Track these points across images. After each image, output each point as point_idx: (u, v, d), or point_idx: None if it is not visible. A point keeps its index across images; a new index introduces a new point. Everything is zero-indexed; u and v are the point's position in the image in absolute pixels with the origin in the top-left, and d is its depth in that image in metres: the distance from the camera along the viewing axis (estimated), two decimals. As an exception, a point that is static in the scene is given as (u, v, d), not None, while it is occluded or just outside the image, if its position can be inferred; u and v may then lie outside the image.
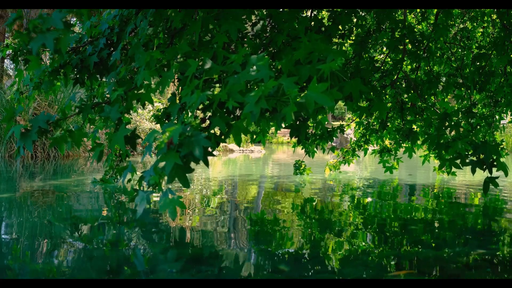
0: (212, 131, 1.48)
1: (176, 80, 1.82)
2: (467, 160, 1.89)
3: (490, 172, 1.85)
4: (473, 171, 1.87)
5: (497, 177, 1.83)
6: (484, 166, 1.85)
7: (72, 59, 2.23)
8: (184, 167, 1.19)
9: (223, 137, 1.46)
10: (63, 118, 1.62)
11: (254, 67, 1.24)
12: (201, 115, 1.57)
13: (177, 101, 1.49)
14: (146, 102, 1.81)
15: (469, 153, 1.90)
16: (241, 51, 1.33)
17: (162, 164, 1.18)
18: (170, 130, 1.16)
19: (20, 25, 10.59)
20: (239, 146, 1.45)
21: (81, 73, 2.23)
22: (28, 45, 1.22)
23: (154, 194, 1.26)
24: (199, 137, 1.17)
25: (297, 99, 1.10)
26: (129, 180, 2.01)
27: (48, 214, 2.91)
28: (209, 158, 9.01)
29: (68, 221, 2.73)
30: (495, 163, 1.84)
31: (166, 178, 1.20)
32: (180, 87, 1.54)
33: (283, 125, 2.11)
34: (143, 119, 10.08)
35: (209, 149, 1.53)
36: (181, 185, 1.28)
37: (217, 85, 1.46)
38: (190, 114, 1.26)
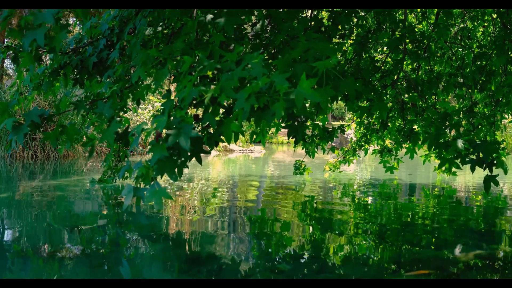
0: (210, 130, 1.48)
1: (172, 78, 1.82)
2: (467, 159, 1.89)
3: (490, 170, 1.85)
4: (473, 170, 1.86)
5: (496, 175, 1.82)
6: (484, 165, 1.85)
7: (72, 59, 2.23)
8: (171, 159, 1.19)
9: (220, 136, 1.46)
10: (57, 114, 1.62)
11: (249, 65, 1.24)
12: (195, 112, 1.57)
13: (174, 100, 1.49)
14: (145, 102, 1.81)
15: (469, 152, 1.90)
16: (236, 49, 1.33)
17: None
18: (157, 121, 1.16)
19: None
20: (229, 143, 1.46)
21: (81, 74, 2.23)
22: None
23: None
24: (187, 129, 1.17)
25: (288, 96, 1.10)
26: (126, 178, 2.01)
27: (47, 214, 2.91)
28: (209, 157, 9.01)
29: (67, 221, 2.73)
30: (495, 161, 1.84)
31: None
32: (175, 84, 1.54)
33: (282, 125, 2.11)
34: (142, 119, 10.08)
35: (207, 148, 1.52)
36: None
37: (214, 82, 1.46)
38: (182, 108, 1.26)
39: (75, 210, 3.12)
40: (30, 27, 1.20)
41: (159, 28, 1.87)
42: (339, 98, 2.15)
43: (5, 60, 13.05)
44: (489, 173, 1.85)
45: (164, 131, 1.20)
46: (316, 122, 3.18)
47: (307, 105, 2.57)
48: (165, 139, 1.18)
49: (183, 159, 1.25)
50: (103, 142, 1.56)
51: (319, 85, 1.26)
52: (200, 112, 1.51)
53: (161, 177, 1.29)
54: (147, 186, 1.27)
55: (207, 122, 1.36)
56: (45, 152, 7.58)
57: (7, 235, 2.35)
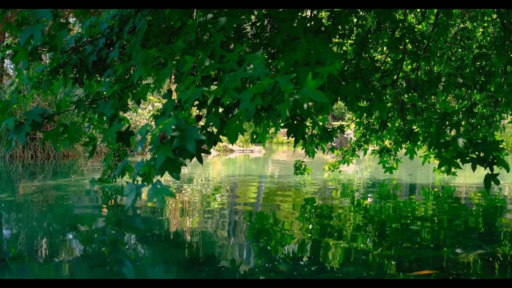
0: (209, 129, 1.48)
1: (173, 78, 1.82)
2: (467, 158, 1.89)
3: (491, 169, 1.85)
4: (474, 168, 1.86)
5: (497, 174, 1.82)
6: (485, 164, 1.85)
7: (71, 58, 2.23)
8: (175, 160, 1.19)
9: (220, 136, 1.45)
10: (57, 113, 1.62)
11: (251, 65, 1.23)
12: (197, 112, 1.57)
13: (175, 100, 1.49)
14: (144, 102, 1.82)
15: (469, 150, 1.90)
16: (237, 48, 1.33)
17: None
18: (163, 124, 1.16)
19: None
20: (233, 144, 1.45)
21: (80, 73, 2.23)
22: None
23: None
24: (192, 131, 1.17)
25: (293, 96, 1.09)
26: (123, 175, 2.01)
27: (47, 214, 2.91)
28: (209, 157, 9.01)
29: (67, 221, 2.72)
30: (495, 160, 1.84)
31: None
32: (177, 84, 1.54)
33: (282, 124, 2.11)
34: (143, 119, 10.07)
35: (206, 147, 1.52)
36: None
37: (215, 82, 1.46)
38: (185, 110, 1.26)
39: (74, 210, 3.12)
40: (28, 23, 1.20)
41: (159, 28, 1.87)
42: (339, 98, 2.15)
43: (5, 60, 13.04)
44: (490, 172, 1.84)
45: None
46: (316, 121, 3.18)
47: (310, 103, 2.57)
48: (170, 140, 1.18)
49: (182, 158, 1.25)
50: (103, 142, 1.56)
51: (321, 89, 1.26)
52: (201, 112, 1.51)
53: (161, 176, 1.29)
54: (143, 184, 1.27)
55: (211, 123, 1.36)
56: (45, 152, 7.57)
57: (7, 235, 2.35)
